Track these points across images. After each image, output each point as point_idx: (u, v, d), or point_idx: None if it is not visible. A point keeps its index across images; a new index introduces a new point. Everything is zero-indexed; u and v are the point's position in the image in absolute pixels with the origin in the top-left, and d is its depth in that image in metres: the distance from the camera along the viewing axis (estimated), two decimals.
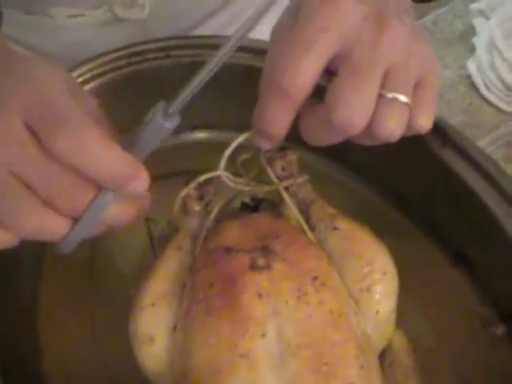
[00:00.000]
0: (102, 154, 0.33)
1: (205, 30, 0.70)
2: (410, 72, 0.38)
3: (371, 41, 0.37)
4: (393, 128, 0.38)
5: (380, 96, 0.37)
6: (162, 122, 0.35)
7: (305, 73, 0.37)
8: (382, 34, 0.37)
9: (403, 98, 0.38)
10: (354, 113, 0.36)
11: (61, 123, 0.33)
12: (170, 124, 0.36)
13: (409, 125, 0.39)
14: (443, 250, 0.51)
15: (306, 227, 0.43)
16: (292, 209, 0.43)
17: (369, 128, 0.38)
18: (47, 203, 0.34)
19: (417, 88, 0.39)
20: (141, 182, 0.35)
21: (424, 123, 0.39)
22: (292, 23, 0.38)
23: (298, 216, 0.43)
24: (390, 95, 0.37)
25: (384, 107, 0.37)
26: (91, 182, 0.34)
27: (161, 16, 0.65)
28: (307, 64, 0.36)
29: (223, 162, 0.43)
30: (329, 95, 0.37)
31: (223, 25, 0.72)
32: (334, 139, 0.39)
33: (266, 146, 0.41)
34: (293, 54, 0.36)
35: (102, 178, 0.34)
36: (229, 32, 0.70)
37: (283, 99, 0.38)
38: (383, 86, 0.37)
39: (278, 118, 0.39)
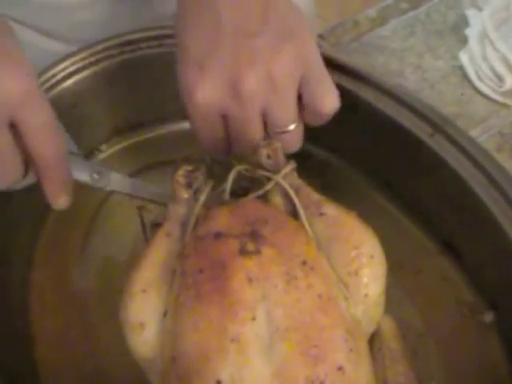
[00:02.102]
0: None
1: None
2: (286, 98, 0.43)
3: (236, 109, 0.43)
4: (292, 147, 0.46)
5: (270, 132, 0.44)
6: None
7: (212, 143, 0.47)
8: (240, 100, 0.42)
9: (290, 127, 0.44)
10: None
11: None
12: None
13: (318, 117, 0.45)
14: (432, 238, 0.52)
15: (301, 211, 0.43)
16: (293, 197, 0.43)
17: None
18: None
19: (305, 86, 0.43)
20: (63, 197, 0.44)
21: (328, 109, 0.44)
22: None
23: (296, 201, 0.43)
24: (277, 130, 0.44)
25: (277, 139, 0.44)
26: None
27: None
28: (208, 139, 0.46)
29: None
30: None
31: None
32: None
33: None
34: (199, 136, 0.46)
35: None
36: None
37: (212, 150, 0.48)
38: (269, 124, 0.44)
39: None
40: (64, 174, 0.43)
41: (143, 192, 0.51)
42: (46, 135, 0.40)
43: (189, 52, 0.43)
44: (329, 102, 0.44)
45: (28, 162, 0.41)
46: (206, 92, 0.42)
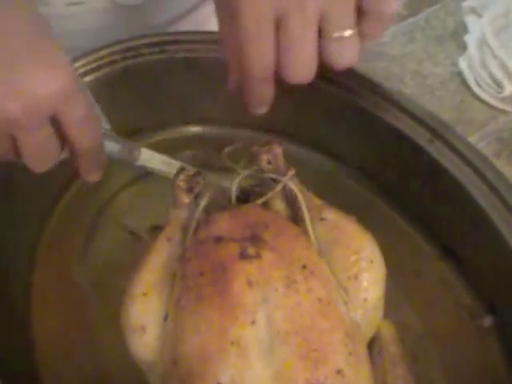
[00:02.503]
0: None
1: (199, 16, 0.72)
2: (343, 3, 0.41)
3: (296, 9, 0.40)
4: (348, 60, 0.43)
5: (325, 38, 0.41)
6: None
7: (265, 56, 0.41)
8: None
9: (347, 32, 0.41)
10: (303, 71, 0.42)
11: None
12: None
13: (379, 22, 0.42)
14: (431, 243, 0.52)
15: (306, 213, 0.43)
16: (300, 200, 0.44)
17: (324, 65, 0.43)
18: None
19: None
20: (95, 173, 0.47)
21: (390, 9, 0.42)
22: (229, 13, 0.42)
23: (302, 201, 0.43)
24: (334, 35, 0.41)
25: (333, 47, 0.42)
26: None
27: (157, 1, 0.66)
28: (263, 48, 0.41)
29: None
30: (279, 61, 0.42)
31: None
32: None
33: (263, 111, 0.47)
34: (248, 45, 0.41)
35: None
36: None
37: (261, 83, 0.44)
38: (324, 28, 0.41)
39: (264, 93, 0.45)
40: (99, 156, 0.46)
41: (173, 168, 0.51)
42: (84, 127, 0.42)
43: None
44: (390, 2, 0.42)
45: (63, 142, 0.43)
46: None
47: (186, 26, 0.71)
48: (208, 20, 0.72)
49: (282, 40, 0.41)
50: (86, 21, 0.65)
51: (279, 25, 0.41)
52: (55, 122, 0.40)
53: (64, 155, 0.44)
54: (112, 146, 0.49)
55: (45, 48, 0.39)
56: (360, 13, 0.42)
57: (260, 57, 0.42)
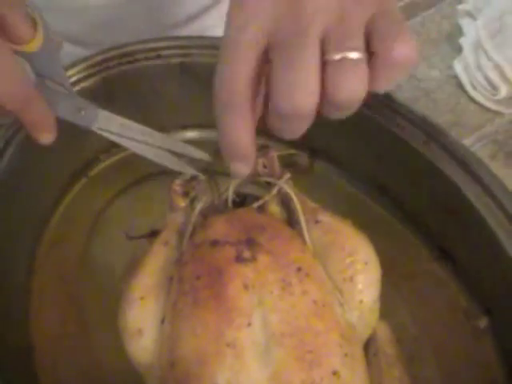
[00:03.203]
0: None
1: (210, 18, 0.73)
2: (352, 22, 0.33)
3: (291, 16, 0.33)
4: (351, 90, 0.33)
5: (327, 62, 0.33)
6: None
7: (237, 80, 0.34)
8: (300, 2, 0.33)
9: (353, 54, 0.33)
10: (297, 96, 0.33)
11: None
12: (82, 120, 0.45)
13: (391, 68, 0.34)
14: (427, 245, 0.52)
15: (302, 216, 0.43)
16: (295, 202, 0.44)
17: (327, 99, 0.34)
18: None
19: (376, 25, 0.33)
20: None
21: (404, 54, 0.33)
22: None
23: (297, 203, 0.44)
24: (336, 57, 0.33)
25: (333, 72, 0.33)
26: None
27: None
28: (236, 71, 0.34)
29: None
30: (270, 88, 0.34)
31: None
32: (297, 127, 0.36)
33: (244, 171, 0.38)
34: (223, 66, 0.34)
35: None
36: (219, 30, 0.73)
37: (231, 114, 0.35)
38: (325, 51, 0.33)
39: (239, 134, 0.36)
40: (37, 115, 0.41)
41: (135, 133, 0.46)
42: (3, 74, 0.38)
43: None
44: (404, 45, 0.32)
45: None
46: (257, 4, 0.33)
47: (194, 29, 0.72)
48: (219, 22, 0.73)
49: (274, 73, 0.34)
50: (107, 14, 0.65)
51: (270, 52, 0.34)
52: None
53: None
54: (63, 106, 0.43)
55: None
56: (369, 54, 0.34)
57: (240, 96, 0.34)
